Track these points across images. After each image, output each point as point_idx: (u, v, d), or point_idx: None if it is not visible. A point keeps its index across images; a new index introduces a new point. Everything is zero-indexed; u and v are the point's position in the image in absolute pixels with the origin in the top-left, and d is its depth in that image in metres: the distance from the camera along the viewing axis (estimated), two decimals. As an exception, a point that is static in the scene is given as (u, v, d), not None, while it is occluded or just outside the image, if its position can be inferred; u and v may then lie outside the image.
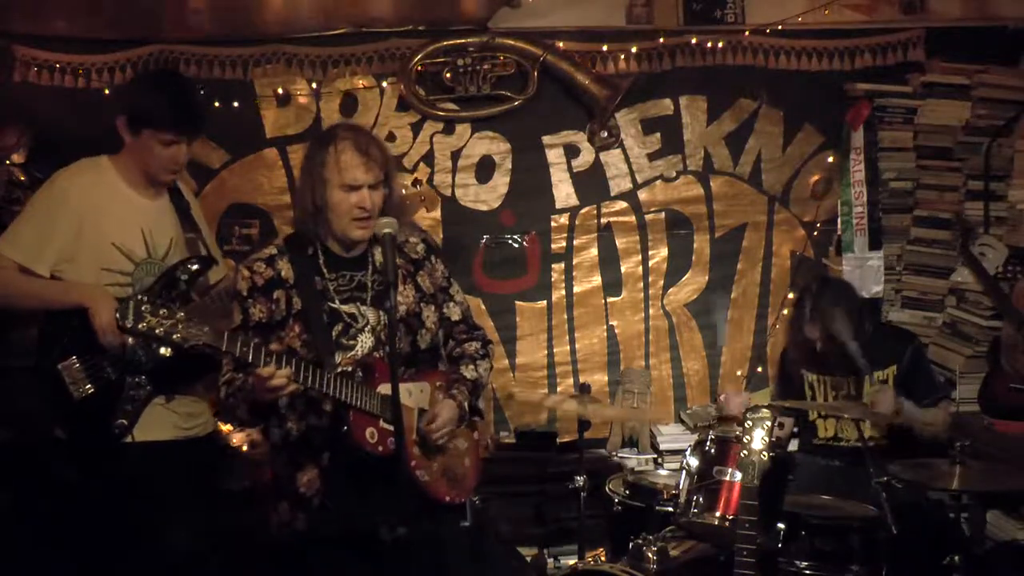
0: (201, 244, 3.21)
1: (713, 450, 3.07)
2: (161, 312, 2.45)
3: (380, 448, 2.66)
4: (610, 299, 4.78)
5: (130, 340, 2.87)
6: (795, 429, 3.94)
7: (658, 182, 4.75)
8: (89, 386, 2.90)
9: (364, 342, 2.78)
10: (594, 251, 4.76)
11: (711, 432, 3.13)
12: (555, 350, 4.75)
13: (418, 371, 2.86)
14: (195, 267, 3.11)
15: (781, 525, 2.97)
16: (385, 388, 2.66)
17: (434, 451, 2.83)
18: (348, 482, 2.70)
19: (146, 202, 3.09)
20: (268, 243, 2.93)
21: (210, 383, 3.15)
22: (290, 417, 2.77)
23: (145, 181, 3.09)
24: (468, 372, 2.96)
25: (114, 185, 3.05)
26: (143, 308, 2.43)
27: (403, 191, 4.30)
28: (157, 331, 2.44)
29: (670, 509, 3.26)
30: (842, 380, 3.83)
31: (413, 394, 2.80)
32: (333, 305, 2.78)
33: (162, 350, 2.74)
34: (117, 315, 2.44)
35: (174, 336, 2.46)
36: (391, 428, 2.66)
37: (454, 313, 3.00)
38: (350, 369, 2.72)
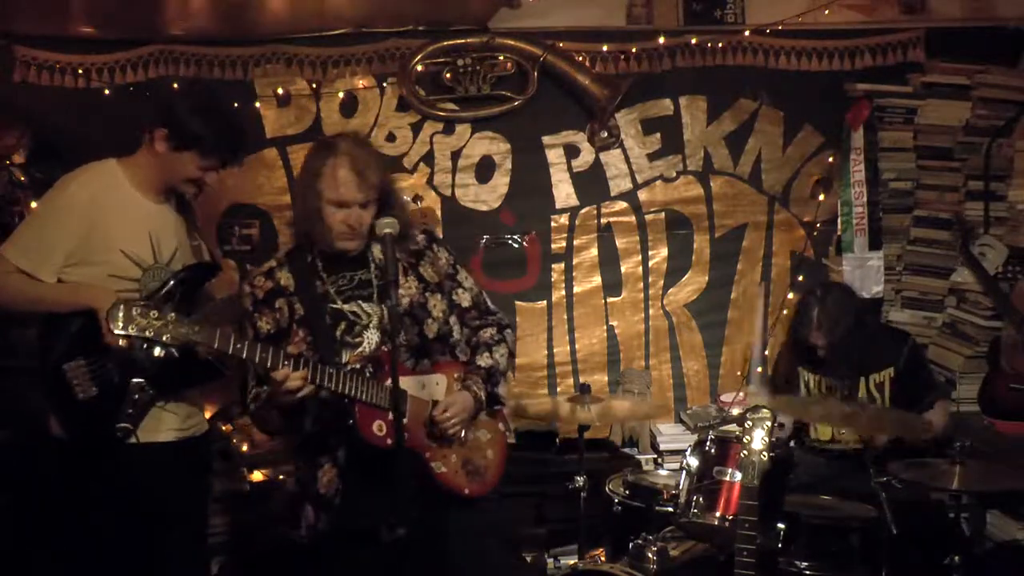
0: (206, 250, 3.21)
1: (713, 450, 3.08)
2: (151, 314, 2.47)
3: (389, 440, 2.65)
4: (610, 299, 4.77)
5: (128, 342, 2.87)
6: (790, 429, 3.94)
7: (658, 182, 4.74)
8: (94, 388, 2.89)
9: (371, 338, 2.78)
10: (594, 251, 4.75)
11: (711, 432, 3.14)
12: (555, 350, 4.74)
13: (434, 363, 2.86)
14: (204, 273, 3.11)
15: (781, 525, 2.98)
16: None
17: (449, 442, 2.82)
18: (364, 478, 2.70)
19: (153, 207, 3.08)
20: (271, 257, 2.96)
21: (208, 389, 3.16)
22: (305, 418, 2.77)
23: (156, 186, 3.07)
24: (483, 360, 2.94)
25: (123, 189, 3.03)
26: (133, 311, 2.46)
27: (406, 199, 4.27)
28: (147, 332, 2.47)
29: (670, 509, 3.27)
30: (838, 382, 3.83)
31: (427, 386, 2.80)
32: (335, 306, 2.80)
33: (156, 351, 2.74)
34: (107, 320, 2.46)
35: (164, 336, 2.48)
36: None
37: (464, 299, 2.99)
38: (359, 366, 2.72)
